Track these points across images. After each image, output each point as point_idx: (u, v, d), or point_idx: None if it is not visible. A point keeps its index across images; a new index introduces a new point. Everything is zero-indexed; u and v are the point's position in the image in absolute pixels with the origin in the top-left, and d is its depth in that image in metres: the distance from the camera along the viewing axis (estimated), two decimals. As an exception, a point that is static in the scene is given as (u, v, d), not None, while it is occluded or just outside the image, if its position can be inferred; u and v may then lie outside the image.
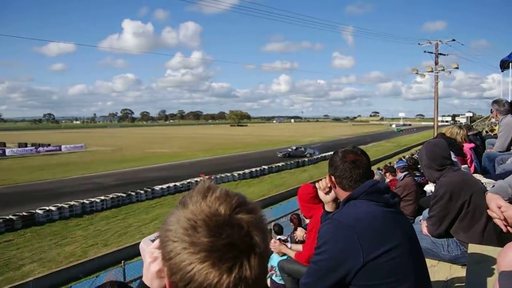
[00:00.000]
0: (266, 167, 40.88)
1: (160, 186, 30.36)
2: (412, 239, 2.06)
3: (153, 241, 1.10)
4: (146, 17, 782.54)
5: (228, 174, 35.67)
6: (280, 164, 43.12)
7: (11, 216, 21.59)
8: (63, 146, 69.94)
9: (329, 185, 2.56)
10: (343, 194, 2.24)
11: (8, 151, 62.60)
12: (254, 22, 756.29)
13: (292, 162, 45.37)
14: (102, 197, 26.16)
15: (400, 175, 7.12)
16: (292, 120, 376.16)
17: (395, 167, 8.10)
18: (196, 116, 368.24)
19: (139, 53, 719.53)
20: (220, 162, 48.57)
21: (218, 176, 34.34)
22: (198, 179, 32.86)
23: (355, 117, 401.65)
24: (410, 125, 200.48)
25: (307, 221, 5.97)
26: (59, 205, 23.96)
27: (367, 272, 1.85)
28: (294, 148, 56.16)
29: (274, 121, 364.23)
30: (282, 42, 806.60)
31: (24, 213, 22.23)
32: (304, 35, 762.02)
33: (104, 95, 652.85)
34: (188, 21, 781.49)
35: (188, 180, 32.63)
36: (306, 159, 48.97)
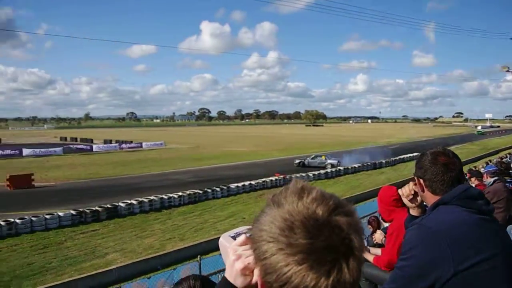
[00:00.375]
0: (341, 168, 40.25)
1: (236, 184, 30.75)
2: (509, 250, 1.89)
3: (233, 237, 1.08)
4: (223, 18, 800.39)
5: (303, 174, 35.44)
6: (356, 166, 42.23)
7: (97, 208, 22.94)
8: (144, 143, 73.24)
9: (412, 192, 2.44)
10: (431, 198, 2.10)
11: (95, 147, 67.14)
12: (331, 21, 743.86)
13: (368, 163, 44.20)
14: (180, 193, 27.00)
15: (489, 180, 6.64)
16: (369, 121, 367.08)
17: (482, 171, 7.60)
18: (272, 115, 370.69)
19: (217, 53, 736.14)
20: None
21: (293, 176, 34.21)
22: (273, 178, 33.10)
23: (436, 118, 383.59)
24: (498, 126, 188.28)
25: (386, 224, 5.77)
26: (140, 199, 25.06)
27: (458, 282, 1.71)
28: (312, 156, 45.81)
29: (351, 122, 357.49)
30: (359, 41, 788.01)
31: (108, 205, 23.51)
32: (382, 34, 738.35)
33: (182, 95, 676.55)
34: (264, 21, 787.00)
35: (263, 179, 32.84)
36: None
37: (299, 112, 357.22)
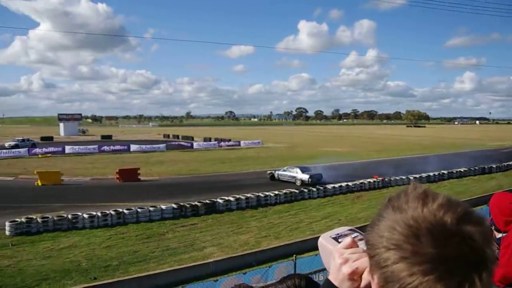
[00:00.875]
0: (445, 171, 37.80)
1: (332, 185, 30.24)
2: None
3: (334, 238, 1.05)
4: (321, 17, 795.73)
5: (403, 177, 33.93)
6: (462, 170, 39.48)
7: (196, 203, 23.78)
8: (241, 142, 74.90)
9: None
10: None
11: (195, 144, 70.22)
12: (434, 15, 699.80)
13: (476, 168, 40.99)
14: (276, 192, 27.13)
15: None
16: (477, 122, 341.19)
17: None
18: (371, 115, 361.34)
19: (314, 53, 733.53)
20: (395, 163, 46.47)
21: (392, 179, 32.99)
22: (371, 180, 32.21)
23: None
24: None
25: (499, 235, 5.27)
26: (237, 196, 25.57)
27: None
28: (285, 168, 35.96)
29: (456, 123, 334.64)
30: (467, 36, 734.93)
31: (207, 201, 24.27)
32: (493, 27, 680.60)
33: (280, 94, 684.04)
34: (362, 19, 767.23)
35: (361, 180, 31.97)
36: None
37: (400, 112, 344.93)
